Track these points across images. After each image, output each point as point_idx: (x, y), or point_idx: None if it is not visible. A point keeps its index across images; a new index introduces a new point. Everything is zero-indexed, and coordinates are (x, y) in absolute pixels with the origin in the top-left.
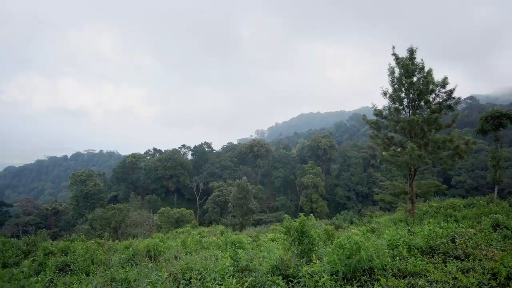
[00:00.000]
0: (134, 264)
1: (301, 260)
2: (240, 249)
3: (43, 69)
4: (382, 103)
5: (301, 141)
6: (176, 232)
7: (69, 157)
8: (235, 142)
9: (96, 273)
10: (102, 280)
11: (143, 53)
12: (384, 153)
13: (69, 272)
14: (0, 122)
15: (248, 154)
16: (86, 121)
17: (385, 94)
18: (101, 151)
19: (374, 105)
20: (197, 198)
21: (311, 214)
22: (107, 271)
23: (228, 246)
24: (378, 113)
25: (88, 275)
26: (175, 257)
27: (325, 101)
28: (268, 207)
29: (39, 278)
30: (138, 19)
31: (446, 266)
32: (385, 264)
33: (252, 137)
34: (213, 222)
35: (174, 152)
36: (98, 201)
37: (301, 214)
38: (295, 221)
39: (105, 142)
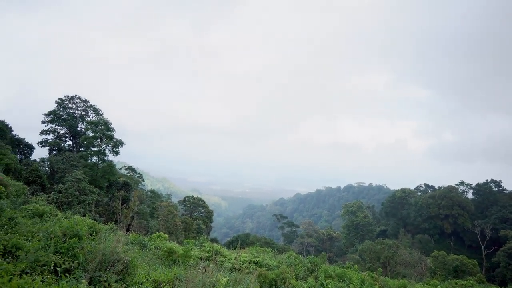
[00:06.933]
0: None
1: None
2: None
3: (325, 112)
4: None
5: None
6: (456, 283)
7: (342, 188)
8: None
9: None
10: None
11: (414, 84)
12: None
13: None
14: (294, 155)
15: None
16: (358, 155)
17: None
18: (370, 184)
19: None
20: (483, 247)
21: None
22: None
23: None
24: None
25: None
26: None
27: None
28: None
29: None
30: (411, 52)
31: None
32: None
33: None
34: (508, 282)
35: (450, 189)
36: (368, 233)
37: None
38: None
39: (374, 175)
